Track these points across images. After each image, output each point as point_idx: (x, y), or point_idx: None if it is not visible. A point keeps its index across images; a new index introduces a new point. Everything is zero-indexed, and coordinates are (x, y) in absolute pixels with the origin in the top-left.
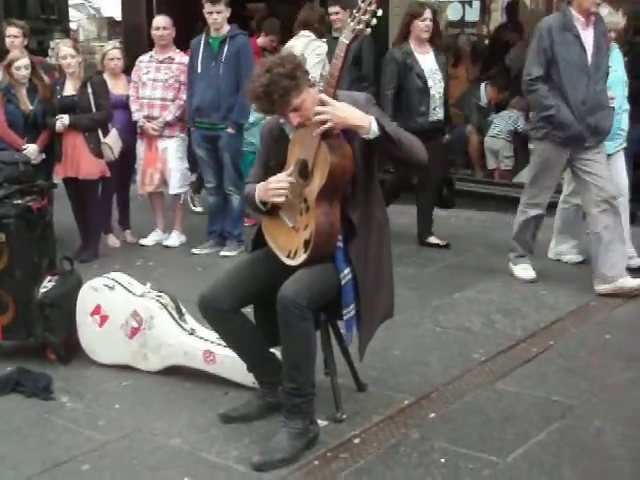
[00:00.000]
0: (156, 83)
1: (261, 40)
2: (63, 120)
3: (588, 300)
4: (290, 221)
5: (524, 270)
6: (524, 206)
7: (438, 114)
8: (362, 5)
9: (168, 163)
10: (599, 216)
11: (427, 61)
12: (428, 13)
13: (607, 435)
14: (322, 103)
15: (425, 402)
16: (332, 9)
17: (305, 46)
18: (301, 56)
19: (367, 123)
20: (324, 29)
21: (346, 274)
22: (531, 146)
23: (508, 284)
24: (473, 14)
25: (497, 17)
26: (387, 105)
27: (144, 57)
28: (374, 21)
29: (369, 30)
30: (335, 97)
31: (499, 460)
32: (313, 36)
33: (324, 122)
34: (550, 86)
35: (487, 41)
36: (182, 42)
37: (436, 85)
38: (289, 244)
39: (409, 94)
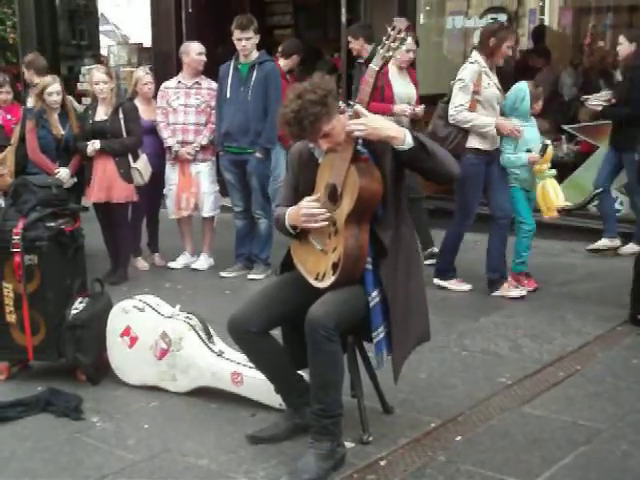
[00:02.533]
0: (188, 108)
1: (283, 63)
2: (94, 144)
3: (615, 325)
4: (319, 244)
5: None
6: None
7: None
8: (392, 33)
9: (201, 187)
10: None
11: None
12: None
13: (633, 459)
14: (357, 115)
15: (451, 425)
16: (348, 38)
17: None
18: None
19: (402, 134)
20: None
21: (374, 296)
22: None
23: (534, 308)
24: None
25: (524, 42)
26: None
27: (170, 83)
28: (403, 48)
29: (398, 57)
30: None
31: None
32: (475, 57)
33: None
34: None
35: (514, 66)
36: (211, 68)
37: None
38: (317, 267)
39: None
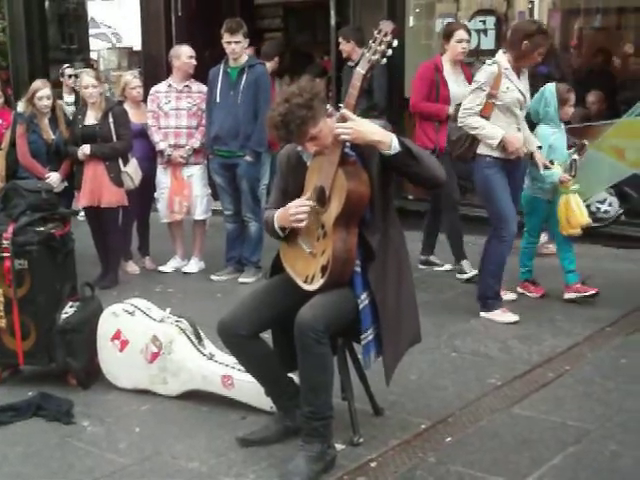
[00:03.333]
0: (180, 112)
1: (267, 64)
2: (84, 149)
3: (604, 325)
4: (308, 247)
5: None
6: None
7: None
8: (378, 36)
9: (194, 190)
10: None
11: None
12: None
13: (622, 459)
14: (344, 119)
15: (441, 426)
16: (339, 40)
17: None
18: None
19: (388, 139)
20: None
21: (363, 299)
22: None
23: (524, 310)
24: (488, 43)
25: None
26: None
27: (160, 87)
28: (389, 52)
29: (385, 60)
30: None
31: None
32: (496, 58)
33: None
34: None
35: None
36: (201, 72)
37: None
38: (306, 269)
39: None
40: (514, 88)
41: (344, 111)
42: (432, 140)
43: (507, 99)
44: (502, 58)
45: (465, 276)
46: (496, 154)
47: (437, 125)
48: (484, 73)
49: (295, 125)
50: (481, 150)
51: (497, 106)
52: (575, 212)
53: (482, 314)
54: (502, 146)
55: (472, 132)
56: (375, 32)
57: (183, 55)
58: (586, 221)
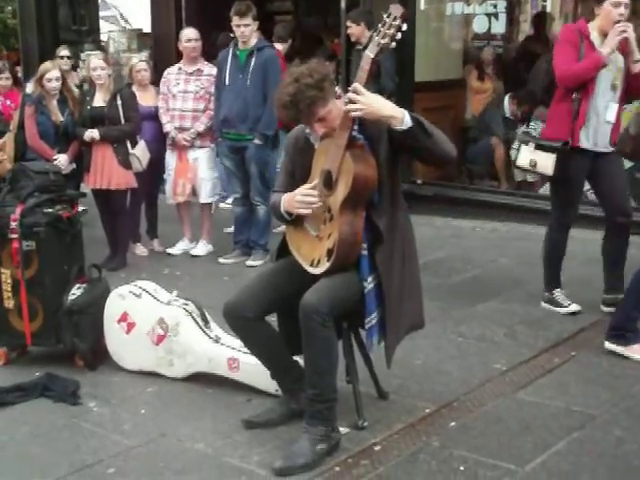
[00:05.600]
0: (187, 95)
1: (281, 47)
2: (93, 134)
3: (611, 310)
4: (314, 230)
5: None
6: None
7: None
8: (387, 20)
9: (199, 173)
10: None
11: None
12: None
13: (627, 445)
14: (356, 92)
15: (446, 411)
16: (347, 23)
17: None
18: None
19: (400, 114)
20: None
21: (369, 282)
22: None
23: (531, 295)
24: (499, 26)
25: (525, 29)
26: None
27: (172, 69)
28: (399, 35)
29: (394, 44)
30: None
31: (518, 468)
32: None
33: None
34: None
35: (514, 53)
36: (211, 54)
37: None
38: (312, 253)
39: None
40: None
41: (356, 85)
42: (565, 130)
43: None
44: None
45: (562, 310)
46: None
47: (575, 107)
48: None
49: (305, 105)
50: None
51: None
52: None
53: (610, 346)
54: None
55: None
56: (385, 16)
57: (182, 38)
58: None
